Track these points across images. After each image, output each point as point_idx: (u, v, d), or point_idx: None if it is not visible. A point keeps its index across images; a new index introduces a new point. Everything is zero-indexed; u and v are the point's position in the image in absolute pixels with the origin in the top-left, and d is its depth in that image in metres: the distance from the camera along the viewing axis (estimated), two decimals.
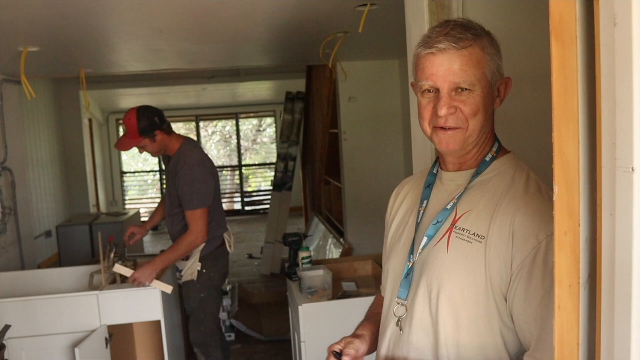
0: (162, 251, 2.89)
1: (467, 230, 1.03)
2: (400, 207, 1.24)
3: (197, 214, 2.71)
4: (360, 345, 1.19)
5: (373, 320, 1.28)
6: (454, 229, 1.05)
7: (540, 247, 0.96)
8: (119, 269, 2.69)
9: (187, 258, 2.88)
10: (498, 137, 1.12)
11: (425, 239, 1.08)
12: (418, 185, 1.22)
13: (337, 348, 1.17)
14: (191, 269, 2.86)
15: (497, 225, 1.00)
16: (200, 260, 2.86)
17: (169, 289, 2.71)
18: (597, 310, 0.69)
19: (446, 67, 1.00)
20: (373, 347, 1.23)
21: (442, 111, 1.02)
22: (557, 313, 0.74)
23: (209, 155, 3.00)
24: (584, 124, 0.71)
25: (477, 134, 1.05)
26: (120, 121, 9.43)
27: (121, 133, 9.58)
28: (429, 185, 1.16)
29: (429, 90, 1.04)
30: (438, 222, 1.08)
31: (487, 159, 1.08)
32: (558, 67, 0.70)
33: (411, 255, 1.10)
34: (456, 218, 1.06)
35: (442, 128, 1.04)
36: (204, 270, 2.88)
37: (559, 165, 0.72)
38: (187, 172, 2.71)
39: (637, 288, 0.63)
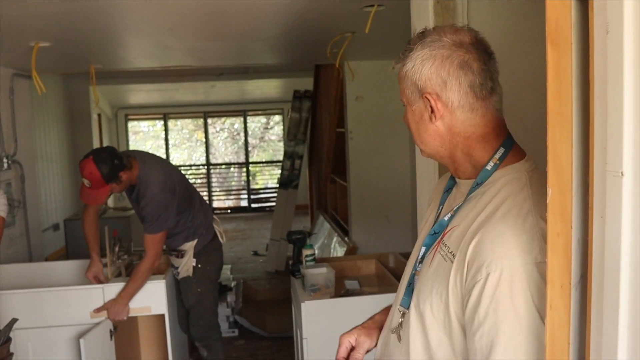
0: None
1: (448, 247, 0.97)
2: (433, 201, 1.19)
3: (157, 238, 2.69)
4: (370, 343, 1.21)
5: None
6: (440, 244, 1.00)
7: (488, 282, 0.85)
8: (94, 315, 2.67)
9: (181, 255, 2.90)
10: (510, 141, 0.99)
11: (423, 249, 1.05)
12: (444, 184, 1.17)
13: (346, 346, 1.20)
14: (186, 265, 2.89)
15: (463, 246, 0.92)
16: (194, 256, 2.89)
17: (148, 310, 2.74)
18: (587, 310, 0.71)
19: None
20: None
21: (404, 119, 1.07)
22: (549, 313, 0.76)
23: (170, 161, 2.96)
24: (577, 128, 0.72)
25: (428, 147, 1.03)
26: (130, 117, 9.54)
27: (130, 128, 9.65)
28: (448, 190, 1.10)
29: None
30: (435, 233, 1.03)
31: (489, 167, 0.97)
32: (553, 72, 0.72)
33: (417, 264, 1.07)
34: (445, 232, 1.00)
35: None
36: (199, 266, 2.91)
37: (552, 169, 0.73)
38: (149, 200, 2.67)
39: (625, 289, 0.64)
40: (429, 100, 0.96)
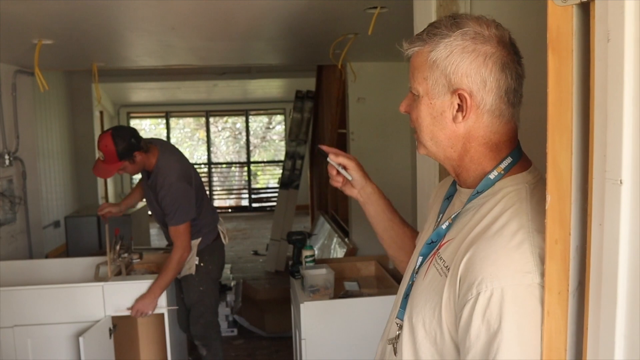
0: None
1: (444, 260, 0.91)
2: (432, 208, 1.15)
3: (181, 229, 2.70)
4: (355, 174, 1.29)
5: (391, 208, 1.34)
6: (436, 255, 0.95)
7: (478, 302, 0.81)
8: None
9: None
10: (518, 152, 0.94)
11: (420, 259, 1.00)
12: (444, 191, 1.11)
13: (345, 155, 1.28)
14: (189, 263, 2.90)
15: (456, 261, 0.88)
16: (197, 255, 2.91)
17: (173, 308, 2.76)
18: (584, 318, 0.71)
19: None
20: (367, 198, 1.35)
21: (400, 107, 0.99)
22: (546, 319, 0.76)
23: (184, 154, 2.95)
24: (577, 135, 0.72)
25: (436, 146, 0.94)
26: (132, 114, 9.55)
27: (132, 126, 9.66)
28: (448, 197, 1.05)
29: None
30: (432, 242, 0.99)
31: (492, 176, 0.91)
32: (554, 79, 0.72)
33: (414, 274, 1.03)
34: (442, 243, 0.95)
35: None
36: (202, 264, 2.92)
37: (552, 175, 0.73)
38: (167, 190, 2.68)
39: (622, 296, 0.64)
40: (460, 99, 0.88)
